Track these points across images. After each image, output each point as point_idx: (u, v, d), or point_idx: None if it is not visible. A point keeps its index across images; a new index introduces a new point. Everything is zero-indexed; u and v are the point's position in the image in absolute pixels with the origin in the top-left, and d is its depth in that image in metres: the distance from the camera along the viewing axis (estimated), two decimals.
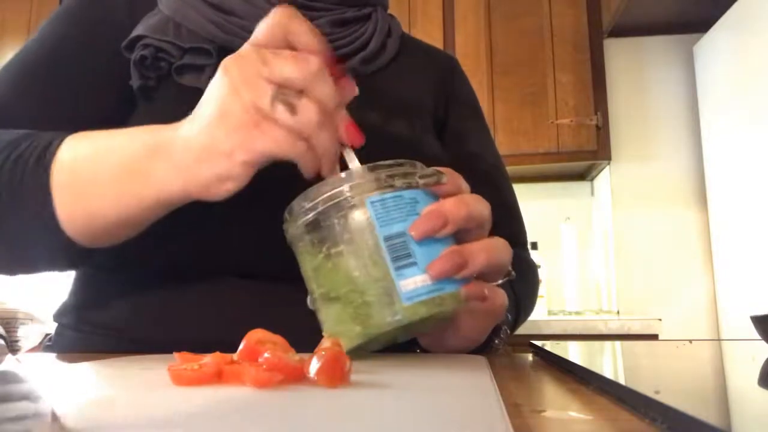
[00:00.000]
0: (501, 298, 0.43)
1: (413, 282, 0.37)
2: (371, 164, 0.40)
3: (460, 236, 0.41)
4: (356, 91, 0.45)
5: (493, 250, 0.41)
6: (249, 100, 0.40)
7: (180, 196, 0.44)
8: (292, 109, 0.40)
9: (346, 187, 0.38)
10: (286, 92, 0.40)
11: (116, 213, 0.46)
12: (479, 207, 0.41)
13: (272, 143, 0.40)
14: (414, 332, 0.45)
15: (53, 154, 0.47)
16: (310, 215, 0.39)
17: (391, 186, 0.39)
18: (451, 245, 0.40)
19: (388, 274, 0.37)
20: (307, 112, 0.40)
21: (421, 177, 0.40)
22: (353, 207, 0.38)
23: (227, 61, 0.42)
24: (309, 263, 0.40)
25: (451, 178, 0.42)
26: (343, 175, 0.39)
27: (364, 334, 0.38)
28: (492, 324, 0.46)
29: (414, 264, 0.37)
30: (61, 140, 0.48)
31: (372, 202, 0.38)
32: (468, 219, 0.40)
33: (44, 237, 0.48)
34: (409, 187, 0.39)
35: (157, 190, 0.44)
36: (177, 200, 0.45)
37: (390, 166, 0.39)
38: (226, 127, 0.40)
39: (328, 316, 0.40)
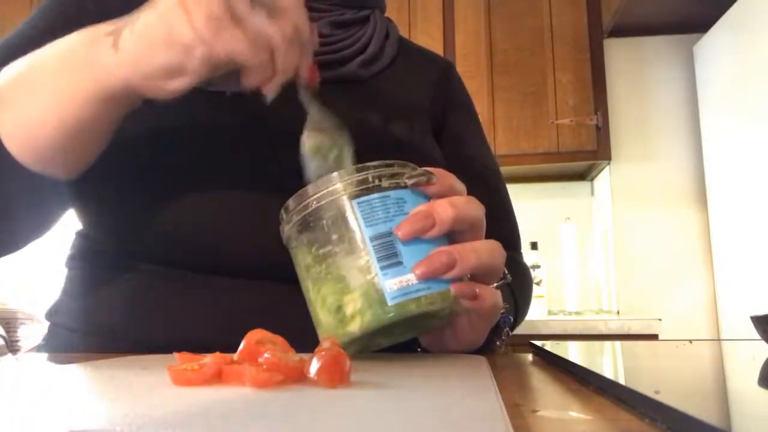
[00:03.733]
0: (492, 297, 0.42)
1: (399, 282, 0.37)
2: (360, 165, 0.40)
3: (454, 238, 0.41)
4: (316, 42, 0.44)
5: (485, 251, 0.41)
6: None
7: (121, 89, 0.42)
8: (270, 17, 0.39)
9: (334, 188, 0.39)
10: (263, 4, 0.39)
11: (54, 116, 0.43)
12: (471, 208, 0.41)
13: (237, 44, 0.38)
14: (411, 332, 0.45)
15: None
16: (302, 215, 0.40)
17: (378, 186, 0.39)
18: (441, 246, 0.39)
19: (375, 274, 0.37)
20: (283, 24, 0.39)
21: (409, 177, 0.40)
22: (341, 207, 0.39)
23: None
24: (302, 263, 0.41)
25: (441, 178, 0.41)
26: (333, 175, 0.39)
27: (353, 334, 0.38)
28: (488, 325, 0.46)
29: (400, 264, 0.38)
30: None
31: (359, 203, 0.38)
32: (457, 220, 0.39)
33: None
34: (397, 187, 0.39)
35: (96, 80, 0.42)
36: (118, 94, 0.42)
37: (378, 166, 0.40)
38: (193, 20, 0.38)
39: (320, 316, 0.40)
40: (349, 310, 0.38)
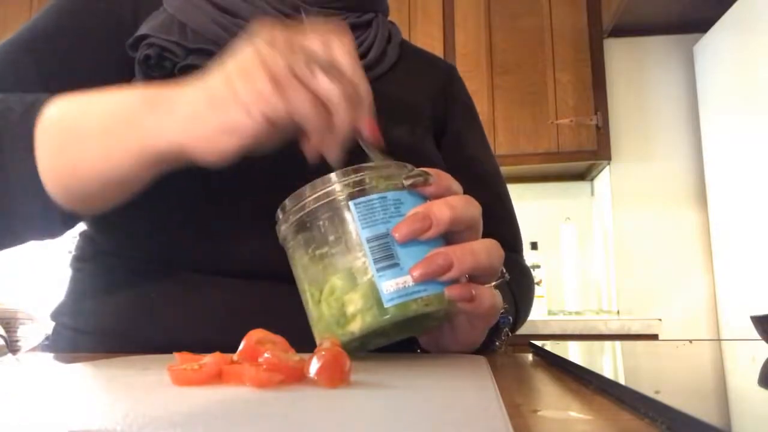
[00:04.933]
0: (490, 299, 0.42)
1: (395, 283, 0.37)
2: (357, 165, 0.40)
3: (451, 238, 0.41)
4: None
5: (482, 251, 0.41)
6: (282, 59, 0.38)
7: (170, 152, 0.42)
8: (327, 75, 0.39)
9: (331, 189, 0.39)
10: (318, 63, 0.39)
11: (100, 167, 0.44)
12: (467, 208, 0.41)
13: (296, 103, 0.38)
14: (409, 333, 0.45)
15: (39, 108, 0.46)
16: (299, 216, 0.40)
17: (375, 188, 0.39)
18: (438, 247, 0.39)
19: (370, 276, 0.37)
20: (338, 82, 0.39)
21: (406, 178, 0.40)
22: (338, 208, 0.39)
23: (258, 28, 0.41)
24: (298, 263, 0.41)
25: (438, 179, 0.41)
26: (330, 176, 0.39)
27: (349, 335, 0.38)
28: (486, 326, 0.46)
29: (396, 265, 0.38)
30: (49, 97, 0.47)
31: (356, 204, 0.38)
32: (454, 221, 0.39)
33: (26, 195, 0.46)
34: (394, 188, 0.39)
35: (148, 141, 0.42)
36: (165, 157, 0.43)
37: (375, 167, 0.40)
38: (251, 81, 0.39)
39: (316, 316, 0.40)
40: (345, 311, 0.38)
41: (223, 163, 0.42)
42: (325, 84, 0.39)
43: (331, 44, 0.40)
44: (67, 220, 0.49)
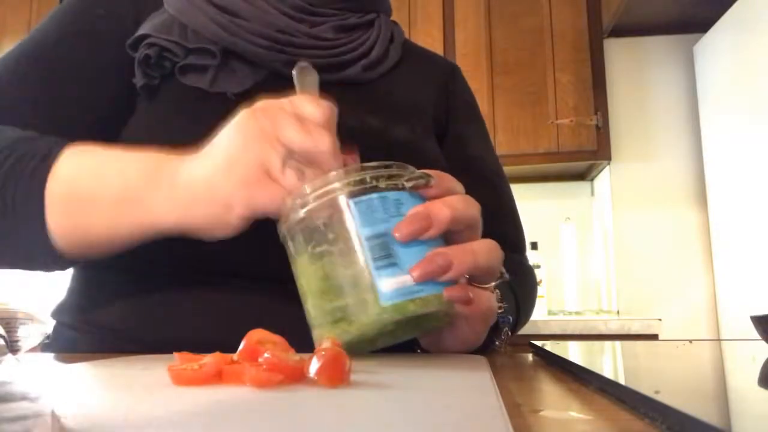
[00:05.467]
0: (486, 300, 0.42)
1: (393, 283, 0.37)
2: (358, 165, 0.40)
3: (450, 237, 0.41)
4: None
5: (482, 252, 0.41)
6: (260, 157, 0.41)
7: (173, 229, 0.45)
8: (300, 174, 0.41)
9: (331, 187, 0.39)
10: (295, 157, 0.42)
11: (108, 234, 0.47)
12: (467, 209, 0.41)
13: (271, 203, 0.41)
14: (410, 333, 0.45)
15: (50, 165, 0.48)
16: (298, 214, 0.40)
17: (376, 187, 0.39)
18: (437, 247, 0.39)
19: (369, 275, 0.37)
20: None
21: (408, 179, 0.40)
22: (337, 207, 0.39)
23: (247, 112, 0.43)
24: (298, 262, 0.41)
25: (439, 180, 0.41)
26: (330, 174, 0.39)
27: (346, 334, 0.38)
28: (485, 327, 0.46)
29: (395, 265, 0.37)
30: (60, 150, 0.48)
31: (356, 203, 0.38)
32: (454, 221, 0.40)
33: (34, 246, 0.48)
34: (395, 188, 0.39)
35: (151, 219, 0.46)
36: (170, 231, 0.46)
37: (376, 167, 0.40)
38: (232, 179, 0.42)
39: (314, 315, 0.40)
40: (343, 310, 0.38)
41: (223, 238, 0.45)
42: (296, 184, 0.41)
43: (309, 134, 0.42)
44: (74, 261, 0.52)
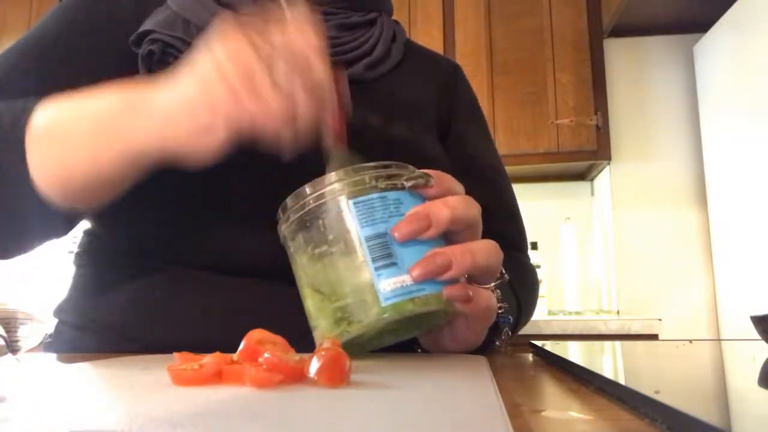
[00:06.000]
0: (486, 300, 0.42)
1: (393, 282, 0.37)
2: (357, 165, 0.40)
3: (450, 238, 0.41)
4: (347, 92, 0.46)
5: (481, 252, 0.41)
6: (245, 67, 0.40)
7: (154, 151, 0.44)
8: (289, 75, 0.40)
9: (332, 187, 0.39)
10: (281, 64, 0.40)
11: (90, 169, 0.46)
12: (467, 209, 0.41)
13: (258, 117, 0.40)
14: (410, 333, 0.45)
15: (29, 114, 0.47)
16: (298, 214, 0.40)
17: (375, 187, 0.39)
18: (437, 247, 0.39)
19: (369, 274, 0.37)
20: (302, 80, 0.40)
21: (407, 179, 0.40)
22: (337, 207, 0.39)
23: (227, 25, 0.42)
24: (298, 262, 0.41)
25: (439, 180, 0.41)
26: (330, 175, 0.39)
27: (347, 334, 0.38)
28: (484, 326, 0.46)
29: (394, 264, 0.38)
30: (36, 102, 0.48)
31: (355, 203, 0.38)
32: (454, 221, 0.40)
33: (24, 200, 0.47)
34: (394, 188, 0.39)
35: (133, 146, 0.44)
36: (151, 155, 0.44)
37: (376, 167, 0.40)
38: (215, 91, 0.40)
39: (315, 316, 0.40)
40: (343, 310, 0.38)
41: (203, 163, 0.43)
42: (284, 91, 0.40)
43: (295, 39, 0.41)
44: (69, 218, 0.50)
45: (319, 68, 0.41)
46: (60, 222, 0.51)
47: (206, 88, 0.41)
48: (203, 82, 0.41)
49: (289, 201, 0.41)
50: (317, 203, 0.39)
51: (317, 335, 0.40)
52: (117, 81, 0.57)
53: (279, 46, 0.40)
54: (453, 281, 0.39)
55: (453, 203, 0.40)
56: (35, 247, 0.55)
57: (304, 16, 0.43)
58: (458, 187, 0.43)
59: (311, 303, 0.40)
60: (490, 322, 0.46)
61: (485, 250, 0.41)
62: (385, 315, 0.37)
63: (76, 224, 0.57)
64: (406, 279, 0.37)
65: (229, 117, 0.40)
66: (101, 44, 0.59)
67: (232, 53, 0.40)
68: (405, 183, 0.40)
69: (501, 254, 0.43)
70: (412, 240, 0.38)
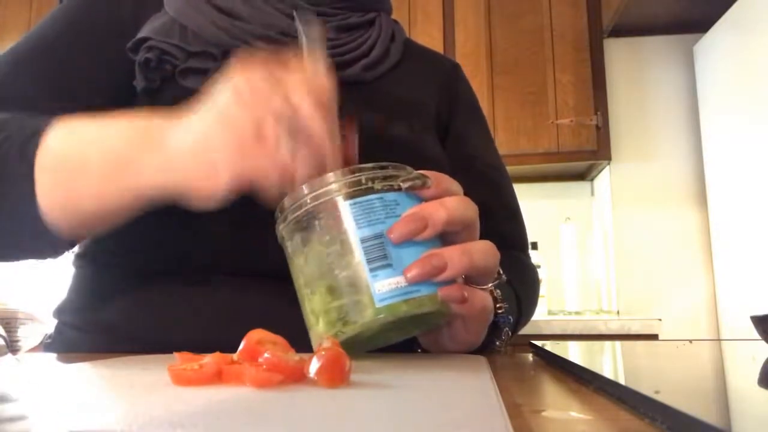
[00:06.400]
0: (481, 301, 0.42)
1: (388, 283, 0.37)
2: (354, 166, 0.40)
3: (447, 238, 0.41)
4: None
5: (477, 253, 0.40)
6: (255, 120, 0.40)
7: (161, 189, 0.44)
8: (293, 136, 0.40)
9: (329, 188, 0.39)
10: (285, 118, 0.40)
11: (99, 201, 0.46)
12: (464, 209, 0.41)
13: (260, 171, 0.40)
14: (407, 333, 0.45)
15: (39, 139, 0.47)
16: (295, 215, 0.40)
17: (371, 188, 0.39)
18: (433, 248, 0.39)
19: (364, 275, 0.37)
20: (303, 145, 0.40)
21: (404, 181, 0.40)
22: (333, 208, 0.39)
23: (239, 71, 0.42)
24: (295, 262, 0.41)
25: (437, 181, 0.41)
26: (328, 175, 0.39)
27: (342, 334, 0.38)
28: (482, 327, 0.46)
29: (389, 266, 0.38)
30: (48, 125, 0.48)
31: (351, 204, 0.38)
32: (450, 222, 0.39)
33: (23, 223, 0.48)
34: (391, 189, 0.39)
35: (140, 182, 0.44)
36: (157, 192, 0.45)
37: (373, 168, 0.40)
38: (221, 140, 0.41)
39: (310, 316, 0.40)
40: (338, 311, 0.38)
41: (206, 207, 0.43)
42: (286, 151, 0.40)
43: (302, 96, 0.41)
44: (67, 244, 0.51)
45: (323, 126, 0.41)
46: (58, 248, 0.52)
47: (214, 133, 0.41)
48: (212, 127, 0.41)
49: (286, 201, 0.41)
50: (314, 203, 0.39)
51: (312, 335, 0.40)
52: (118, 83, 0.58)
53: (290, 95, 0.40)
54: (449, 282, 0.39)
55: (450, 204, 0.40)
56: (18, 261, 0.55)
57: (321, 62, 0.43)
58: (456, 187, 0.42)
59: (307, 303, 0.40)
60: (487, 323, 0.46)
61: (482, 251, 0.41)
62: (380, 316, 0.37)
63: (71, 249, 0.57)
64: (401, 280, 0.37)
65: (231, 166, 0.40)
66: (101, 46, 0.59)
67: (244, 100, 0.41)
68: (402, 184, 0.40)
69: (498, 255, 0.43)
70: (408, 241, 0.38)
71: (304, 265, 0.40)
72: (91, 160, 0.46)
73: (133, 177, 0.45)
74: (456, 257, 0.39)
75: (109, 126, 0.47)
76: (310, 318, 0.40)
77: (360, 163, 0.45)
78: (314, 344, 0.40)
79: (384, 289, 0.37)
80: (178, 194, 0.43)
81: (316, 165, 0.41)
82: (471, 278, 0.42)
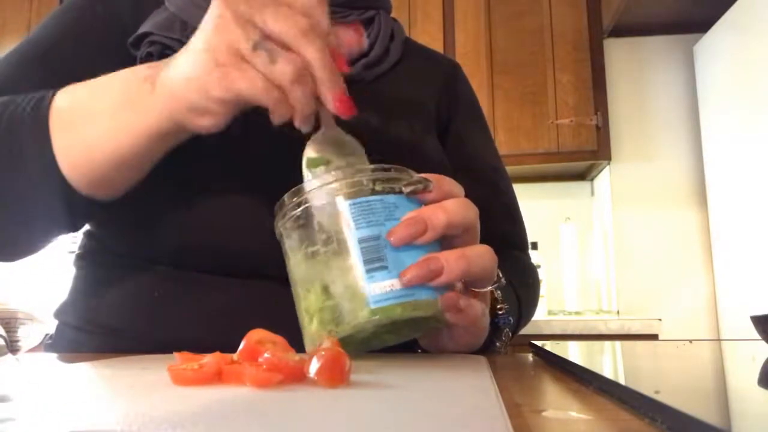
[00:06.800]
0: (477, 309, 0.41)
1: (383, 286, 0.37)
2: (357, 167, 0.40)
3: (447, 241, 0.41)
4: (364, 44, 0.45)
5: (475, 257, 0.40)
6: (233, 40, 0.40)
7: (169, 126, 0.45)
8: (273, 58, 0.40)
9: (329, 187, 0.39)
10: (272, 42, 0.40)
11: (112, 150, 0.47)
12: (464, 212, 0.41)
13: (247, 84, 0.40)
14: (400, 337, 0.44)
15: (50, 101, 0.48)
16: (293, 213, 0.40)
17: (372, 190, 0.39)
18: (431, 251, 0.39)
19: (360, 276, 0.37)
20: (284, 64, 0.40)
21: (407, 185, 0.40)
22: (332, 208, 0.38)
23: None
24: (292, 260, 0.41)
25: (438, 184, 0.41)
26: (328, 175, 0.39)
27: (335, 334, 0.38)
28: (479, 333, 0.46)
29: (385, 268, 0.37)
30: (55, 91, 0.49)
31: (351, 204, 0.38)
32: (450, 226, 0.39)
33: (43, 185, 0.48)
34: (392, 192, 0.39)
35: (148, 122, 0.46)
36: (166, 130, 0.46)
37: (375, 170, 0.39)
38: (207, 63, 0.41)
39: (304, 315, 0.40)
40: (332, 310, 0.38)
41: (216, 129, 0.44)
42: (266, 67, 0.40)
43: (283, 18, 0.40)
44: (84, 210, 0.51)
45: (309, 50, 0.40)
46: (76, 210, 0.52)
47: (198, 58, 0.42)
48: (197, 53, 0.42)
49: (286, 198, 0.41)
50: (313, 202, 0.39)
51: (305, 335, 0.40)
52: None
53: (269, 29, 0.40)
54: (446, 287, 0.39)
55: (450, 207, 0.40)
56: (38, 249, 0.55)
57: None
58: (458, 189, 0.42)
59: (302, 302, 0.40)
60: (485, 326, 0.46)
61: (480, 256, 0.41)
62: (374, 318, 0.37)
63: (89, 218, 0.58)
64: (397, 283, 0.37)
65: (220, 87, 0.41)
66: (102, 43, 0.59)
67: (219, 27, 0.41)
68: (404, 188, 0.40)
69: (496, 259, 0.43)
70: (406, 244, 0.38)
71: (301, 263, 0.40)
72: (99, 108, 0.47)
73: (142, 115, 0.46)
74: (453, 262, 0.38)
75: (110, 79, 0.48)
76: (303, 317, 0.40)
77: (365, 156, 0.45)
78: (306, 344, 0.40)
79: (378, 291, 0.37)
80: (183, 121, 0.44)
81: (301, 79, 0.41)
82: (469, 283, 0.42)
